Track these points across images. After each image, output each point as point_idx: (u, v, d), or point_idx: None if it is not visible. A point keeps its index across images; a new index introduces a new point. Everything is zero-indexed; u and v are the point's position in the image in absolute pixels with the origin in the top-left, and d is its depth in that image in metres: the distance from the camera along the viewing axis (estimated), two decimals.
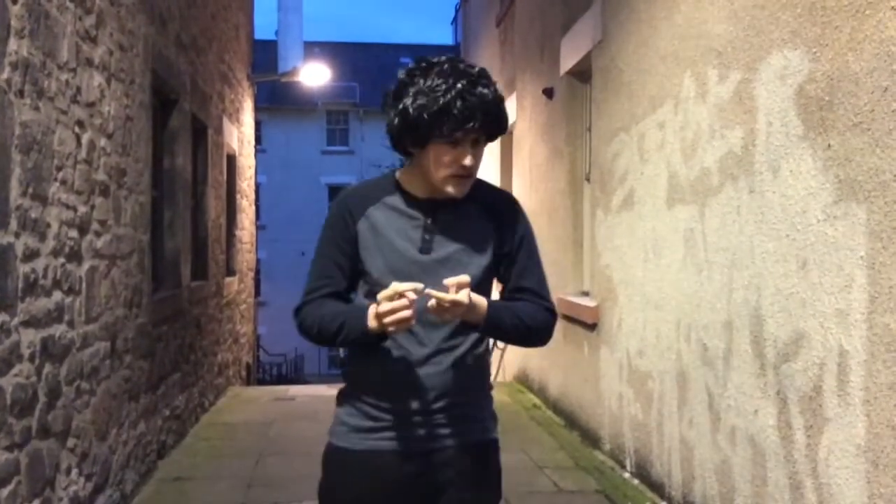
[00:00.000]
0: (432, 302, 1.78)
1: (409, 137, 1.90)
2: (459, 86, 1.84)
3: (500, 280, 2.06)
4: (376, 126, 27.76)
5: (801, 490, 3.08)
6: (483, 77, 1.89)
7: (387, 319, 1.79)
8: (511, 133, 9.22)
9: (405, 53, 36.66)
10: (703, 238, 3.94)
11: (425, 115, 1.84)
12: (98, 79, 4.07)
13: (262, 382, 14.69)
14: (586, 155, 6.40)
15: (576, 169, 6.56)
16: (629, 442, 5.02)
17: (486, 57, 11.10)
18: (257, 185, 11.81)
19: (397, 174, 2.04)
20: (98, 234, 4.08)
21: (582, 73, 6.36)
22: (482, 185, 2.04)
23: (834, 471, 2.88)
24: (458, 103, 1.83)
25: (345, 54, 31.63)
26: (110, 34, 4.29)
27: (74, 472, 3.71)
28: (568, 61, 6.47)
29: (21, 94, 3.09)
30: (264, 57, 19.92)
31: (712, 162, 3.85)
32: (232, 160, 9.11)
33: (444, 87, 1.84)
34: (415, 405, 1.95)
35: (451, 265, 1.91)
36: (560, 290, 6.72)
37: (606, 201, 5.46)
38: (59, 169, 3.51)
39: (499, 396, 7.97)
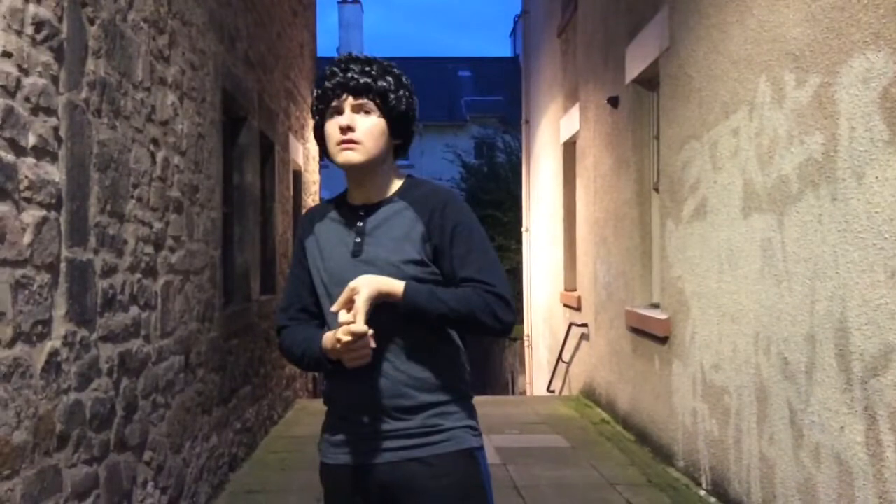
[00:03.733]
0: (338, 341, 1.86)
1: (318, 132, 2.03)
2: (335, 68, 2.00)
3: (445, 278, 1.98)
4: (436, 140, 27.84)
5: None
6: (366, 59, 2.01)
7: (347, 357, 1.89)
8: (574, 143, 9.14)
9: (464, 67, 36.75)
10: (782, 248, 3.82)
11: (316, 94, 2.01)
12: (171, 97, 4.15)
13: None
14: (654, 164, 6.29)
15: (643, 178, 6.45)
16: (705, 459, 4.89)
17: (548, 68, 11.05)
18: (321, 201, 11.95)
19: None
20: (172, 250, 4.14)
21: (649, 80, 6.26)
22: (421, 185, 2.06)
23: None
24: (335, 76, 1.98)
25: (404, 69, 31.72)
26: (182, 53, 4.38)
27: (150, 485, 3.76)
28: (634, 69, 6.38)
29: (98, 113, 3.16)
30: None
31: (791, 169, 3.73)
32: (298, 176, 9.22)
33: (322, 76, 2.02)
34: (369, 417, 1.97)
35: (377, 264, 1.95)
36: (628, 302, 6.61)
37: (677, 211, 5.35)
38: (135, 186, 3.58)
39: (565, 411, 7.88)
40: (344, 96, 1.97)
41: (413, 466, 1.95)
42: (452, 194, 2.08)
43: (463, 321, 1.94)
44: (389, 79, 2.00)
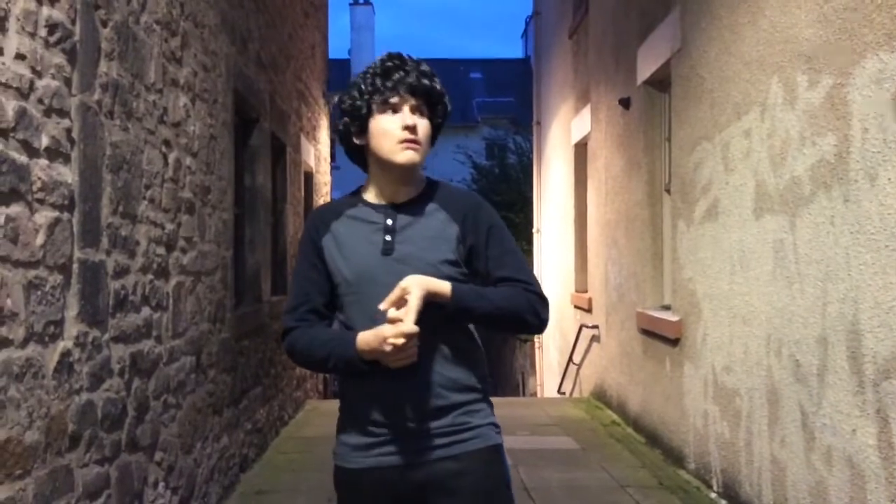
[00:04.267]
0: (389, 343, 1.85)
1: (356, 125, 1.99)
2: (391, 64, 1.99)
3: (478, 279, 2.01)
4: (447, 141, 27.78)
5: None
6: (415, 60, 2.01)
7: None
8: (585, 144, 9.12)
9: (475, 68, 36.73)
10: (794, 249, 3.80)
11: (363, 87, 1.97)
12: (183, 99, 4.16)
13: (338, 396, 14.81)
14: (665, 165, 6.27)
15: (654, 180, 6.44)
16: (716, 461, 4.87)
17: (559, 69, 11.04)
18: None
19: (361, 188, 2.12)
20: (184, 251, 4.16)
21: (660, 81, 6.24)
22: (445, 186, 2.09)
23: None
24: (395, 72, 1.97)
25: None
26: (194, 55, 4.39)
27: (161, 485, 3.78)
28: (645, 70, 6.37)
29: (111, 114, 3.17)
30: (339, 76, 20.19)
31: (803, 170, 3.71)
32: (309, 177, 9.24)
33: (373, 69, 2.00)
34: (404, 417, 1.96)
35: (412, 262, 1.94)
36: (639, 303, 6.59)
37: (688, 212, 5.33)
38: (147, 187, 3.60)
39: (575, 412, 7.86)
40: (405, 95, 1.96)
41: (446, 464, 1.95)
42: (480, 197, 2.12)
43: (508, 319, 1.97)
44: (438, 82, 2.02)
